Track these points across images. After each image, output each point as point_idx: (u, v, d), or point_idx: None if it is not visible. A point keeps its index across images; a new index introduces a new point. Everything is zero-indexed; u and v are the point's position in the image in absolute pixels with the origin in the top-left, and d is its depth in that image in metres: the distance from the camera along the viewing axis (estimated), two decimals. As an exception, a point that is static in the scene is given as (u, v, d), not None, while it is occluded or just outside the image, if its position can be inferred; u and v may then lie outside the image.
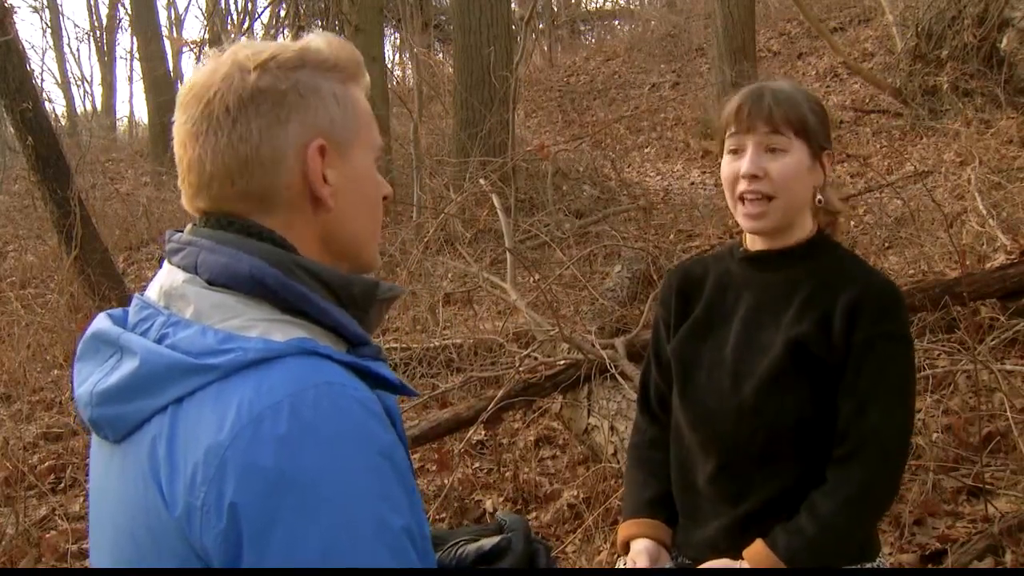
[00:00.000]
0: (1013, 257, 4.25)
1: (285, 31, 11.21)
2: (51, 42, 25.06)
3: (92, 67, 37.88)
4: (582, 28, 21.03)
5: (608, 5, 22.16)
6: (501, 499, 3.59)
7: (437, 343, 4.76)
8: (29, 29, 49.79)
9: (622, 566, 1.60)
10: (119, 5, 20.75)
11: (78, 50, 54.94)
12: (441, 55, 14.45)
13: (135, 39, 17.06)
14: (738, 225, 1.56)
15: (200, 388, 0.83)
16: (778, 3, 14.10)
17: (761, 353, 1.49)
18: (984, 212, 5.04)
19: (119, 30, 22.37)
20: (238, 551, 0.78)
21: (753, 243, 1.57)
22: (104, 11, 22.11)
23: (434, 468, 3.87)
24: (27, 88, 6.68)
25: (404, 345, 4.85)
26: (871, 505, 1.45)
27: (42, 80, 23.49)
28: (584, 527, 3.10)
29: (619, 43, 16.81)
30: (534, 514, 3.45)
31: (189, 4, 43.84)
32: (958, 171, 6.44)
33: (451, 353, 4.64)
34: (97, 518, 0.95)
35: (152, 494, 0.83)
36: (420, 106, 9.27)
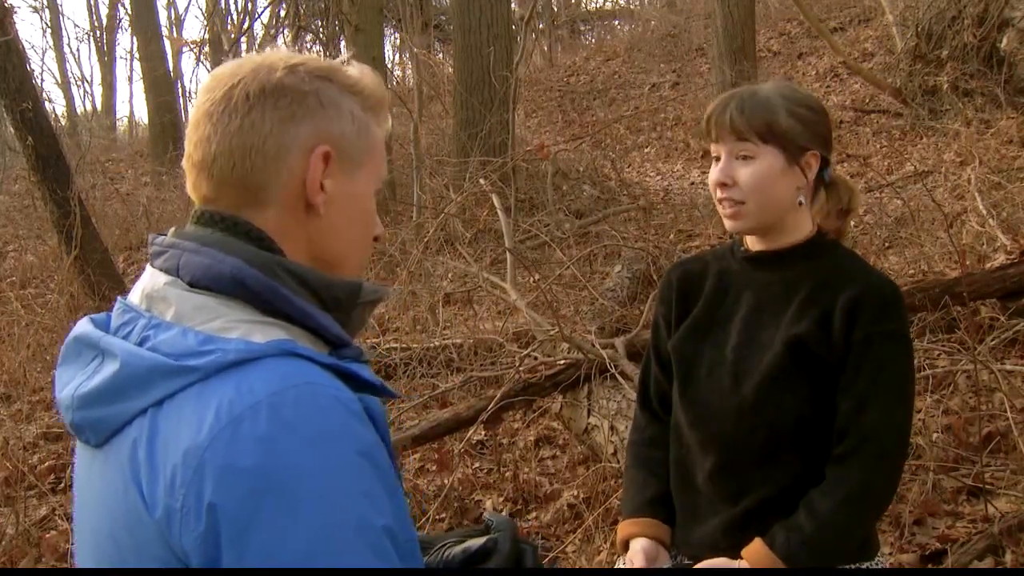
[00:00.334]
0: (1013, 257, 4.24)
1: (285, 31, 11.21)
2: (51, 42, 25.08)
3: (92, 67, 37.98)
4: (582, 28, 21.04)
5: (608, 5, 22.18)
6: (501, 499, 3.59)
7: (437, 343, 4.76)
8: (29, 29, 49.95)
9: (621, 566, 1.60)
10: (119, 5, 20.79)
11: (78, 50, 55.05)
12: (441, 55, 14.46)
13: (135, 39, 17.07)
14: (736, 226, 1.57)
15: (180, 390, 0.82)
16: (778, 3, 14.10)
17: (761, 352, 1.50)
18: (984, 212, 5.04)
19: (119, 30, 22.41)
20: (217, 552, 0.77)
21: (753, 243, 1.58)
22: (104, 11, 22.15)
23: (434, 468, 3.87)
24: (27, 88, 6.68)
25: (404, 345, 4.85)
26: (870, 504, 1.46)
27: (42, 80, 23.53)
28: (584, 527, 3.10)
29: (619, 43, 16.81)
30: (534, 514, 3.45)
31: (189, 4, 43.99)
32: (958, 171, 6.44)
33: (451, 353, 4.63)
34: (81, 521, 0.95)
35: (133, 497, 0.82)
36: (420, 106, 9.27)
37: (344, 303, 0.95)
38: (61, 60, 24.65)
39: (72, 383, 0.91)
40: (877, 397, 1.43)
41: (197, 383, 0.82)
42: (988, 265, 4.32)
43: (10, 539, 3.57)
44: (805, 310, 1.48)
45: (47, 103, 16.59)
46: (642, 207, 7.19)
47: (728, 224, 1.54)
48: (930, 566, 2.66)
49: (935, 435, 3.18)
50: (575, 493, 3.42)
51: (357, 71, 0.98)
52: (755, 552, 1.43)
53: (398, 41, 16.06)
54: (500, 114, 7.92)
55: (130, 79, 39.44)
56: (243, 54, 0.97)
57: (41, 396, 5.48)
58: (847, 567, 1.48)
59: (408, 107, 8.94)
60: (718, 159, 1.53)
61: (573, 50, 18.31)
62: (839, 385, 1.46)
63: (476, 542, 1.06)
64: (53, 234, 7.31)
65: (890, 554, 2.65)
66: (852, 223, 1.70)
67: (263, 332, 0.86)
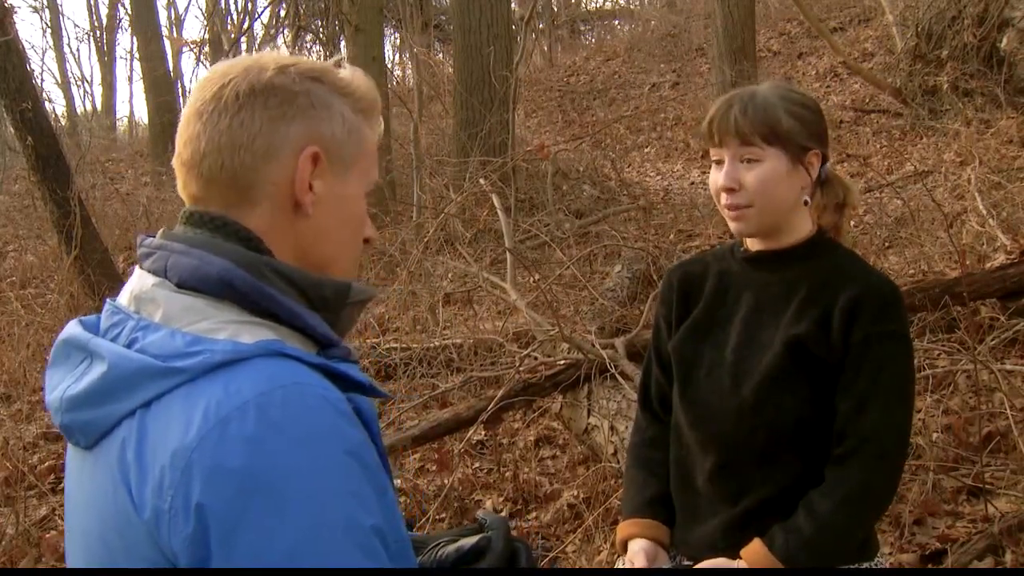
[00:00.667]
0: (1013, 257, 4.24)
1: (285, 31, 11.22)
2: (51, 42, 25.08)
3: (92, 67, 37.95)
4: (582, 28, 21.04)
5: (608, 5, 22.17)
6: (501, 499, 3.59)
7: (437, 343, 4.76)
8: (29, 29, 49.89)
9: (621, 566, 1.60)
10: (119, 5, 20.77)
11: (78, 50, 55.00)
12: (441, 55, 14.45)
13: (135, 39, 17.05)
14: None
15: (168, 391, 0.82)
16: (778, 3, 14.10)
17: (761, 353, 1.50)
18: (984, 212, 5.04)
19: (119, 30, 22.39)
20: (206, 553, 0.77)
21: (753, 243, 1.58)
22: (104, 11, 22.13)
23: (434, 468, 3.87)
24: (27, 88, 6.67)
25: (404, 345, 4.85)
26: (869, 504, 1.45)
27: (42, 80, 23.51)
28: (584, 527, 3.10)
29: (619, 43, 16.80)
30: (534, 514, 3.45)
31: (189, 4, 43.99)
32: (958, 171, 6.44)
33: (451, 353, 4.64)
34: (71, 523, 0.95)
35: (122, 498, 0.82)
36: (420, 106, 9.27)
37: (332, 303, 0.95)
38: (61, 60, 24.66)
39: (61, 385, 0.91)
40: (877, 397, 1.43)
41: (185, 384, 0.82)
42: (988, 265, 4.32)
43: (10, 539, 3.57)
44: (805, 310, 1.48)
45: (47, 103, 16.59)
46: (642, 207, 7.19)
47: (734, 227, 1.53)
48: (930, 566, 2.66)
49: (935, 435, 3.18)
50: (575, 493, 3.42)
51: (349, 73, 0.98)
52: (754, 553, 1.43)
53: (398, 41, 16.07)
54: (500, 114, 7.92)
55: (130, 79, 39.47)
56: (243, 54, 0.97)
57: (41, 396, 5.48)
58: (847, 567, 1.48)
59: (408, 107, 8.95)
60: (719, 163, 1.52)
61: (573, 50, 18.31)
62: (839, 385, 1.45)
63: (469, 541, 1.05)
64: (53, 234, 7.31)
65: (890, 554, 2.65)
66: (852, 223, 1.69)
67: (251, 333, 0.86)
